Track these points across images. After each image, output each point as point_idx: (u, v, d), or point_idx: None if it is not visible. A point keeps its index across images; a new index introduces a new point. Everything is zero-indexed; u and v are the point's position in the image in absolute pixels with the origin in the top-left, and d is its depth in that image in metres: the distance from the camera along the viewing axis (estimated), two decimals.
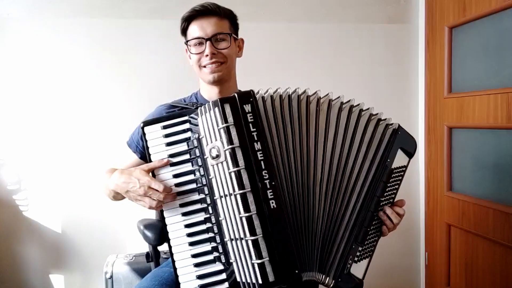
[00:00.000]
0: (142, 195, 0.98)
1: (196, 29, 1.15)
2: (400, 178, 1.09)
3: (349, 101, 1.05)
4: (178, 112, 1.08)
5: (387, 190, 1.06)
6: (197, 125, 0.99)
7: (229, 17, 1.19)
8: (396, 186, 1.09)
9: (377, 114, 1.07)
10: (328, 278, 1.00)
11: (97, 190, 1.88)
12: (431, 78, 2.04)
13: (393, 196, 1.09)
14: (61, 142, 1.88)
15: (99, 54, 1.88)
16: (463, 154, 1.87)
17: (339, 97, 1.05)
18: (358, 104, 1.06)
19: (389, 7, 2.11)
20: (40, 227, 1.89)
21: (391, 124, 1.08)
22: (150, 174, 1.01)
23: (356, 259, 1.04)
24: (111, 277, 1.56)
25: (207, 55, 1.14)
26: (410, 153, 1.10)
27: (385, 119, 1.08)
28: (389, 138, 1.06)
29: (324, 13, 2.06)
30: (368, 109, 1.07)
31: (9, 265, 1.89)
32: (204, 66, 1.16)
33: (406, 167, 1.10)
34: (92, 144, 1.90)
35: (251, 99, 0.94)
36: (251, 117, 0.94)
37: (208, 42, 1.13)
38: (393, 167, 1.06)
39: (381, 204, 1.06)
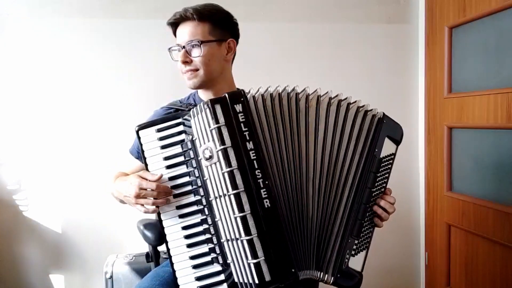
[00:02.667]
0: (135, 196, 0.99)
1: (177, 36, 1.17)
2: (390, 166, 1.10)
3: (337, 95, 1.06)
4: (172, 114, 1.08)
5: (377, 180, 1.07)
6: (190, 127, 0.99)
7: (212, 20, 1.15)
8: (387, 175, 1.09)
9: (363, 106, 1.08)
10: (326, 275, 1.01)
11: (97, 190, 1.88)
12: (431, 78, 2.04)
13: (384, 185, 1.10)
14: (61, 142, 1.88)
15: (100, 54, 1.88)
16: (463, 154, 1.87)
17: (327, 92, 1.05)
18: (346, 98, 1.06)
19: (389, 7, 2.11)
20: (40, 227, 1.90)
21: (376, 113, 1.08)
22: None
23: (353, 252, 1.04)
24: (111, 277, 1.56)
25: (182, 63, 1.15)
26: (397, 141, 1.11)
27: (371, 110, 1.08)
28: (375, 128, 1.06)
29: (324, 13, 2.05)
30: (355, 102, 1.07)
31: (9, 265, 1.89)
32: (183, 73, 1.17)
33: (394, 154, 1.11)
34: (92, 144, 1.90)
35: (242, 99, 0.95)
36: (243, 116, 0.94)
37: (182, 50, 1.14)
38: (381, 156, 1.07)
39: (373, 194, 1.06)
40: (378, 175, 1.06)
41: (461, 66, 1.86)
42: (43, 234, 1.90)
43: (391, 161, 1.10)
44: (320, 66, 2.06)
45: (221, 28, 1.18)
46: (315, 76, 2.04)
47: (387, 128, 1.08)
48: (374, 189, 1.06)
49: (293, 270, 0.94)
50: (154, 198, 0.99)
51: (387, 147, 1.08)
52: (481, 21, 1.72)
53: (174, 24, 1.18)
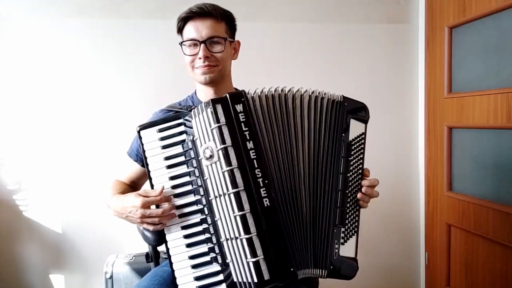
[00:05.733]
0: (140, 217, 1.00)
1: (191, 30, 1.15)
2: (362, 146, 1.10)
3: (313, 92, 1.06)
4: (173, 115, 1.09)
5: (350, 164, 1.06)
6: (191, 127, 1.01)
7: (226, 20, 1.18)
8: (361, 156, 1.09)
9: (331, 95, 1.07)
10: (321, 270, 1.01)
11: (97, 191, 1.88)
12: (431, 78, 2.04)
13: (360, 166, 1.09)
14: (61, 142, 1.88)
15: (99, 54, 1.88)
16: (463, 154, 1.87)
17: (306, 90, 1.05)
18: (319, 92, 1.07)
19: (389, 7, 2.11)
20: (40, 227, 1.90)
21: (337, 98, 1.08)
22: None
23: (342, 241, 1.04)
24: (111, 277, 1.57)
25: (200, 58, 1.14)
26: (364, 120, 1.10)
27: (334, 98, 1.07)
28: (338, 113, 1.06)
29: (324, 13, 2.05)
30: (325, 93, 1.07)
31: (9, 265, 1.89)
32: (197, 68, 1.17)
33: (364, 133, 1.10)
34: (92, 144, 1.90)
35: (243, 99, 0.97)
36: (243, 116, 0.96)
37: (202, 45, 1.13)
38: (350, 139, 1.07)
39: (349, 179, 1.06)
40: (350, 159, 1.06)
41: (461, 66, 1.86)
42: (43, 234, 1.90)
43: (362, 141, 1.10)
44: (320, 66, 2.06)
45: (232, 29, 1.22)
46: (315, 76, 2.04)
47: (350, 110, 1.08)
48: (349, 174, 1.06)
49: (292, 269, 0.94)
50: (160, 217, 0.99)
51: (355, 128, 1.08)
52: (481, 21, 1.72)
53: (188, 18, 1.16)
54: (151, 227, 1.01)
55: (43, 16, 1.84)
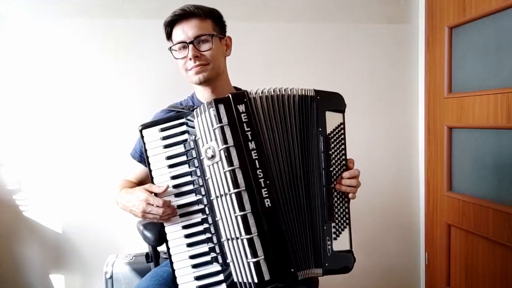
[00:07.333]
0: (142, 212, 1.01)
1: (178, 33, 1.15)
2: (342, 137, 1.08)
3: (302, 90, 1.06)
4: (175, 114, 1.10)
5: (332, 157, 1.05)
6: (193, 127, 1.01)
7: (212, 17, 1.17)
8: (343, 146, 1.08)
9: (307, 90, 1.07)
10: (317, 269, 1.01)
11: (97, 190, 1.89)
12: (431, 78, 2.04)
13: (343, 158, 1.08)
14: (61, 142, 1.88)
15: (99, 54, 1.88)
16: (463, 154, 1.87)
17: (298, 89, 1.05)
18: (308, 91, 1.06)
19: (389, 7, 2.11)
20: (40, 227, 1.89)
21: (310, 93, 1.07)
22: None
23: (334, 236, 1.04)
24: (111, 277, 1.56)
25: (190, 59, 1.13)
26: (340, 110, 1.09)
27: (309, 92, 1.07)
28: (310, 109, 1.05)
29: (324, 13, 2.05)
30: (315, 91, 1.07)
31: (9, 265, 1.89)
32: (190, 69, 1.16)
33: (343, 123, 1.09)
34: (92, 144, 1.90)
35: (245, 99, 0.97)
36: (245, 117, 0.96)
37: (190, 46, 1.12)
38: (328, 132, 1.06)
39: (332, 174, 1.05)
40: (330, 152, 1.05)
41: (461, 66, 1.86)
42: (43, 234, 1.90)
43: (341, 131, 1.08)
44: (320, 66, 2.06)
45: (219, 25, 1.20)
46: (315, 76, 2.04)
47: (324, 103, 1.07)
48: (332, 168, 1.05)
49: (292, 270, 0.94)
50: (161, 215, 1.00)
51: (332, 120, 1.07)
52: (481, 21, 1.72)
53: (173, 22, 1.16)
54: (154, 221, 1.03)
55: (43, 16, 1.84)
